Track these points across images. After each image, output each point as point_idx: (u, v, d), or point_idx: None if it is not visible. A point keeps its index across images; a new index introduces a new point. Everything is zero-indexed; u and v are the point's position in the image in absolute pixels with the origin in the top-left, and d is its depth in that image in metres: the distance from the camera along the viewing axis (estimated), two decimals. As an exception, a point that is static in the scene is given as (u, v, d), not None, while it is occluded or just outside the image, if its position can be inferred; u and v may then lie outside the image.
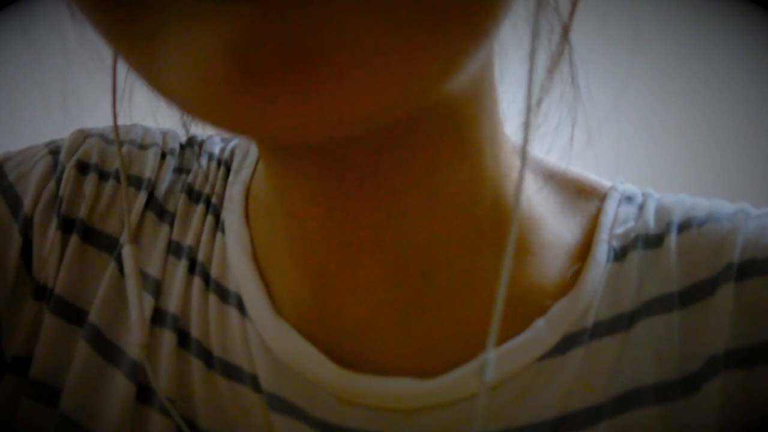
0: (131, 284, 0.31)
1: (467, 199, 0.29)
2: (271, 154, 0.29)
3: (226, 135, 0.38)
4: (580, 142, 0.31)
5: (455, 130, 0.27)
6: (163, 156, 0.36)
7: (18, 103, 1.08)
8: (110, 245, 0.33)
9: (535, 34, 0.24)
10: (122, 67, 0.29)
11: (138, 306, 0.31)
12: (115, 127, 0.31)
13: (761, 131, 1.14)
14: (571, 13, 0.26)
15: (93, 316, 0.32)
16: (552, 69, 0.27)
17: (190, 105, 0.18)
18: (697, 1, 1.10)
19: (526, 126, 0.24)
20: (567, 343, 0.30)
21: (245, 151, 0.36)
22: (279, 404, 0.30)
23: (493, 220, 0.29)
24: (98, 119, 0.36)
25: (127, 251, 0.32)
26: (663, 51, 1.09)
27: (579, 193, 0.33)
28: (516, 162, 0.30)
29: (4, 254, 0.32)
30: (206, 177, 0.35)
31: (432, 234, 0.29)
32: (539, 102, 0.27)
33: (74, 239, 0.33)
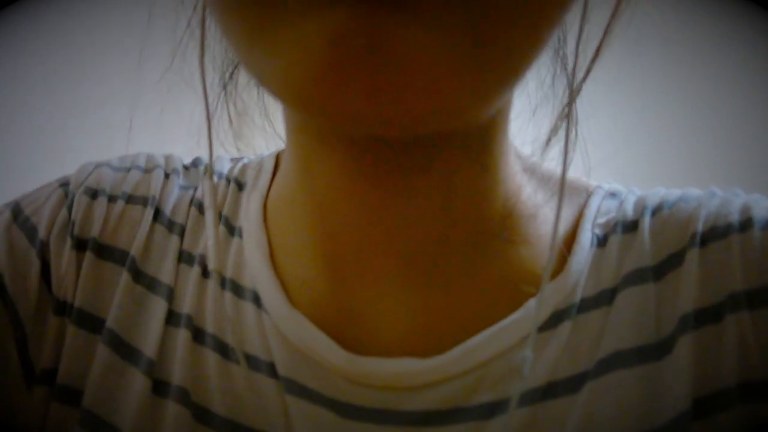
0: (209, 215, 0.35)
1: (480, 202, 0.32)
2: (307, 145, 0.32)
3: (235, 155, 0.41)
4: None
5: (478, 147, 0.31)
6: (167, 176, 0.39)
7: (22, 98, 1.09)
8: (122, 258, 0.36)
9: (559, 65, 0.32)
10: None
11: (215, 233, 0.35)
12: (206, 109, 0.34)
13: (762, 131, 1.14)
14: (584, 78, 0.32)
15: (110, 322, 0.35)
16: (559, 123, 0.34)
17: (283, 87, 0.22)
18: (697, 2, 1.10)
19: (563, 174, 0.30)
20: (556, 319, 0.32)
21: (258, 168, 0.39)
22: (294, 387, 0.33)
23: (500, 217, 0.33)
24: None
25: (206, 186, 0.36)
26: (663, 52, 1.09)
27: (570, 191, 0.36)
28: (518, 166, 0.34)
29: (26, 278, 0.35)
30: (216, 192, 0.38)
31: (443, 231, 0.32)
32: (549, 139, 0.34)
33: (88, 256, 0.36)
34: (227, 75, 0.37)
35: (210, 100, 0.35)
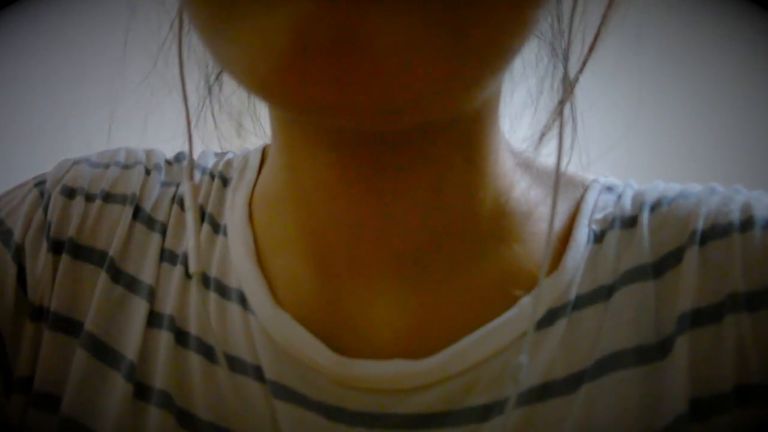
0: (190, 216, 0.34)
1: (470, 199, 0.31)
2: (293, 142, 0.31)
3: (219, 150, 0.40)
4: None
5: (466, 143, 0.30)
6: (148, 172, 0.37)
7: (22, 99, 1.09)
8: (100, 259, 0.35)
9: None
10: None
11: (195, 235, 0.33)
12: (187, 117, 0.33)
13: (759, 126, 1.14)
14: (579, 71, 0.31)
15: (89, 324, 0.34)
16: (555, 118, 0.32)
17: (248, 77, 0.21)
18: (698, 2, 1.10)
19: (557, 174, 0.29)
20: (552, 317, 0.32)
21: (243, 163, 0.38)
22: (281, 391, 0.32)
23: (491, 215, 0.32)
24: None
25: (186, 186, 0.34)
26: (661, 48, 1.09)
27: (565, 186, 0.35)
28: (511, 162, 0.33)
29: (3, 283, 0.34)
30: (199, 188, 0.37)
31: (433, 228, 0.31)
32: (543, 135, 0.33)
33: (65, 258, 0.35)
34: (212, 77, 0.36)
35: (197, 101, 0.35)
